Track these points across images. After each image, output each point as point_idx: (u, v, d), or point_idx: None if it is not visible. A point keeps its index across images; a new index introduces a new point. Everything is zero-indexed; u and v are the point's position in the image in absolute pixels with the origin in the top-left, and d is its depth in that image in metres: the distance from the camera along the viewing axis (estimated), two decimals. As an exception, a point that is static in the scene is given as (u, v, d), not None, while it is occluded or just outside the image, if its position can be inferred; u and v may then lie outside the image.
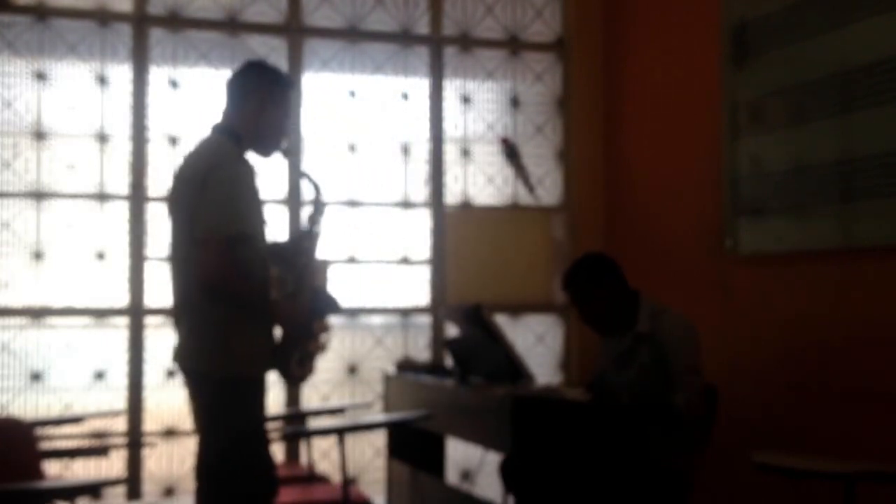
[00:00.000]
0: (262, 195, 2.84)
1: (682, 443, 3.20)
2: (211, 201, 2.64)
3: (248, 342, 2.75)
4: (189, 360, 2.80)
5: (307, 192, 3.00)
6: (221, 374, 2.73)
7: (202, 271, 2.64)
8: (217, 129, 2.85)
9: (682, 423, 3.15)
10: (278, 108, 2.88)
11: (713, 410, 3.47)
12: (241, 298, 2.72)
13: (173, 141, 4.78)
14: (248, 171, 2.76)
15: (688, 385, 3.18)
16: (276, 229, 4.86)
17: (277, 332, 2.84)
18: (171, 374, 4.68)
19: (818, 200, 3.62)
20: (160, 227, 4.71)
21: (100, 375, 4.62)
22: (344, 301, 3.04)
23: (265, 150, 2.91)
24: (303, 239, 2.96)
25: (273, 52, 4.91)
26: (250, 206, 2.73)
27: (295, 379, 2.90)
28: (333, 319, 2.99)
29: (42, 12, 4.64)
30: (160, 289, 4.69)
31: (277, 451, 4.78)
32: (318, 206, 2.96)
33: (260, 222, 2.80)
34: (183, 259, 2.77)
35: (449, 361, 4.30)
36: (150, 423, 4.67)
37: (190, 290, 2.75)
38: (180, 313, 2.84)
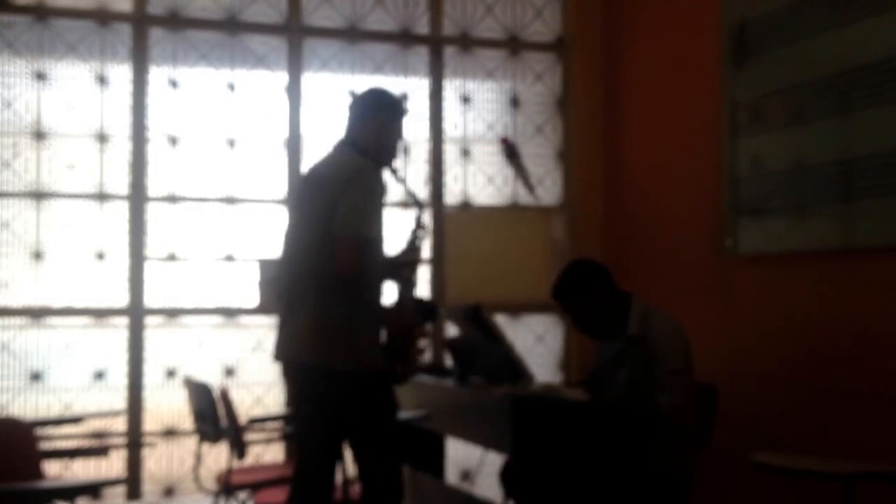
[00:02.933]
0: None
1: (676, 444, 3.19)
2: (352, 203, 2.90)
3: (367, 338, 2.97)
4: (308, 354, 2.96)
5: (412, 210, 3.26)
6: (347, 370, 2.92)
7: (338, 263, 2.87)
8: (345, 144, 3.14)
9: (666, 426, 3.14)
10: (394, 132, 3.19)
11: (713, 410, 3.47)
12: (365, 294, 2.94)
13: (173, 141, 4.78)
14: (384, 185, 3.05)
15: (672, 388, 3.17)
16: (277, 230, 4.88)
17: (383, 335, 3.06)
18: (170, 373, 4.68)
19: (818, 200, 3.62)
20: (159, 227, 4.72)
21: (99, 375, 4.62)
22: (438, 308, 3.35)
23: (378, 168, 3.15)
24: (407, 251, 3.21)
25: (273, 52, 4.91)
26: (380, 215, 2.99)
27: (400, 378, 3.10)
28: None
29: (42, 12, 4.64)
30: (160, 289, 4.70)
31: (277, 451, 4.78)
32: (420, 220, 3.23)
33: (382, 232, 3.03)
34: (305, 255, 2.99)
35: (449, 361, 4.30)
36: (150, 423, 4.66)
37: (310, 285, 2.95)
38: (291, 309, 3.03)
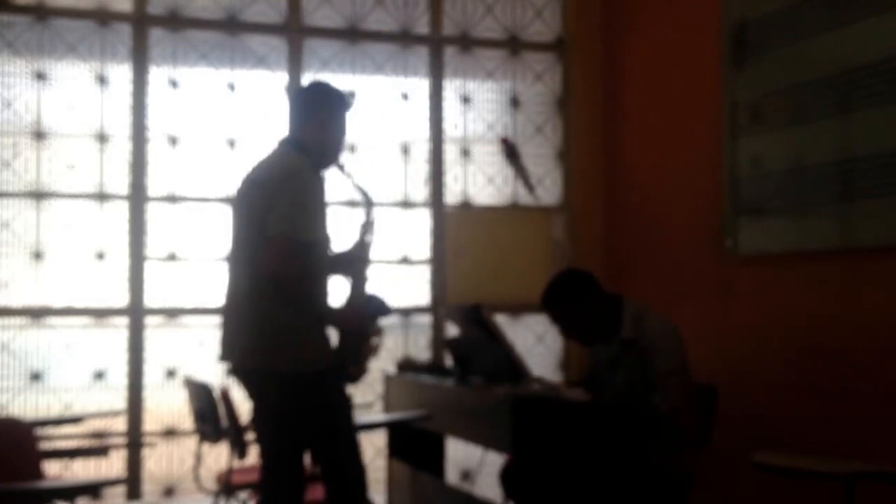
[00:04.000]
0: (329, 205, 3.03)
1: (675, 444, 3.20)
2: (284, 205, 2.82)
3: (310, 339, 2.93)
4: (251, 358, 2.93)
5: (359, 202, 3.19)
6: (292, 371, 2.89)
7: (270, 267, 2.82)
8: (285, 143, 3.06)
9: (665, 426, 3.15)
10: (338, 126, 3.10)
11: (713, 410, 3.47)
12: (302, 297, 2.88)
13: (173, 141, 4.78)
14: (320, 183, 2.96)
15: (668, 387, 3.18)
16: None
17: (334, 335, 3.02)
18: (170, 373, 4.68)
19: (818, 200, 3.62)
20: (159, 227, 4.72)
21: (100, 375, 4.62)
22: (393, 304, 3.26)
23: (324, 164, 3.08)
24: (356, 248, 3.15)
25: (273, 52, 4.91)
26: (319, 214, 2.93)
27: (352, 378, 3.07)
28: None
29: (42, 12, 4.64)
30: (160, 289, 4.70)
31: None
32: (370, 216, 3.17)
33: (324, 231, 2.98)
34: (245, 258, 2.94)
35: (449, 361, 4.30)
36: (150, 423, 4.66)
37: (250, 287, 2.90)
38: (234, 311, 2.99)
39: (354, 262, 3.14)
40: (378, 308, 3.14)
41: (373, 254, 3.20)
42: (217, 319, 4.75)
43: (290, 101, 3.12)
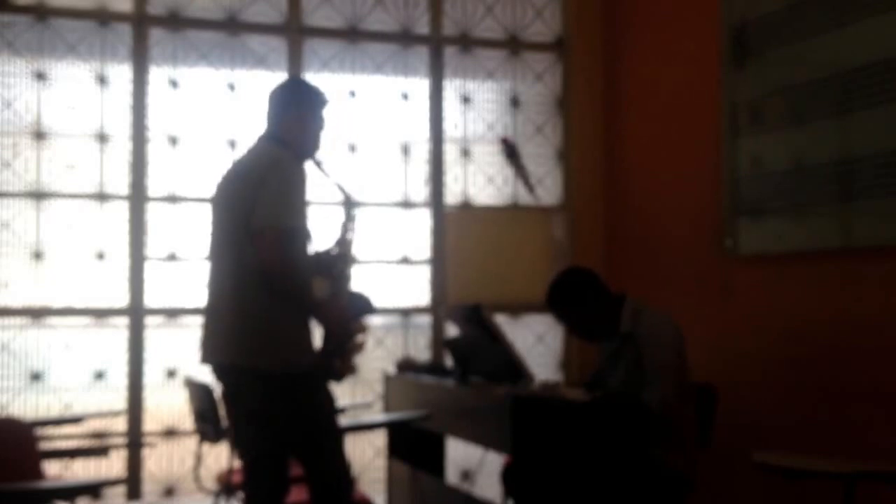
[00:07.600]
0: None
1: (668, 439, 3.20)
2: (270, 196, 2.82)
3: (298, 336, 2.92)
4: (237, 356, 2.90)
5: (338, 199, 3.18)
6: (276, 370, 2.87)
7: (261, 258, 2.81)
8: (265, 138, 3.08)
9: (655, 421, 3.15)
10: (315, 121, 3.12)
11: (713, 410, 3.47)
12: (292, 290, 2.87)
13: (173, 141, 4.78)
14: (303, 174, 2.95)
15: (657, 382, 3.19)
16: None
17: (318, 332, 3.00)
18: (170, 374, 4.68)
19: (818, 200, 3.62)
20: (159, 227, 4.72)
21: (100, 375, 4.62)
22: (377, 301, 3.27)
23: (302, 159, 3.07)
24: (338, 245, 3.14)
25: (273, 52, 4.91)
26: (302, 202, 2.91)
27: (339, 376, 3.07)
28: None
29: (42, 12, 4.64)
30: (160, 289, 4.70)
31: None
32: (350, 212, 3.16)
33: (306, 221, 2.96)
34: (228, 253, 2.92)
35: (449, 361, 4.30)
36: (150, 423, 4.66)
37: (235, 283, 2.89)
38: (217, 308, 2.98)
39: (336, 260, 3.12)
40: (363, 306, 3.13)
41: (355, 251, 3.19)
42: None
43: (268, 99, 3.12)
